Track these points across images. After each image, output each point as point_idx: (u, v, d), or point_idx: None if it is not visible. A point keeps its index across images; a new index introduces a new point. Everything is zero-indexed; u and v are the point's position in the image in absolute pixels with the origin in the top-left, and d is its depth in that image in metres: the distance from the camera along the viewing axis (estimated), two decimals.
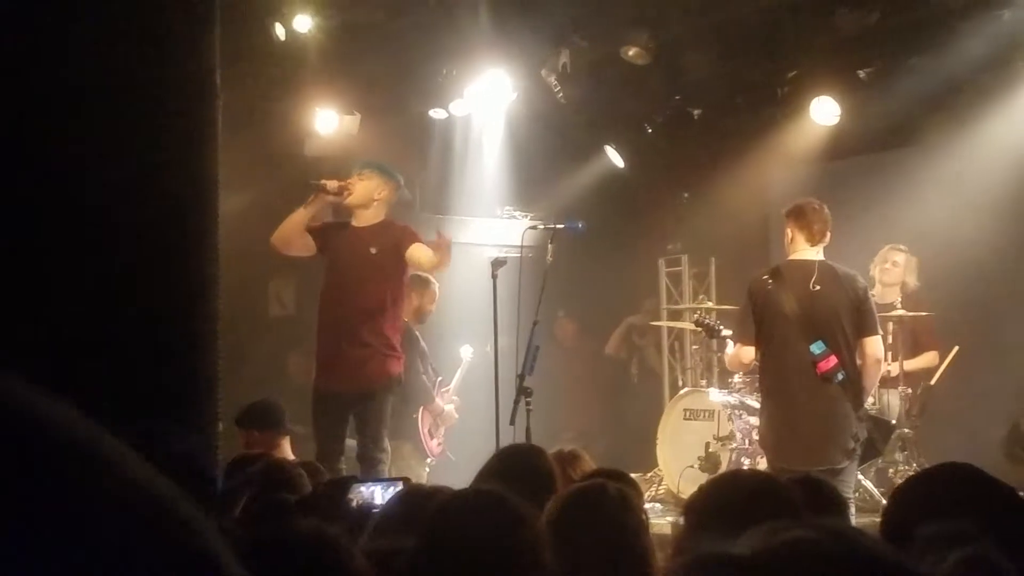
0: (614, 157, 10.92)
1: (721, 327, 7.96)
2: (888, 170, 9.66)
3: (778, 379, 6.60)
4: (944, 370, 8.07)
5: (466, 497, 2.20)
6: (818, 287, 6.42)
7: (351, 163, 7.81)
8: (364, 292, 7.26)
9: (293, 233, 7.31)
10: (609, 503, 3.03)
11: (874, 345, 6.50)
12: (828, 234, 6.65)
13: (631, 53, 9.11)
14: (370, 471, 6.61)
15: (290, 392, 7.84)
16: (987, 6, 8.15)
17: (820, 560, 1.06)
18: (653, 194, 11.59)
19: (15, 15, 4.25)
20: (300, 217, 7.30)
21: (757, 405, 8.60)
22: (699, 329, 8.56)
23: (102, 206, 4.66)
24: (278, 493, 3.91)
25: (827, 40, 8.89)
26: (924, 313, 8.14)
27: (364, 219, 7.35)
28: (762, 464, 8.43)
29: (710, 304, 10.13)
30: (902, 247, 8.51)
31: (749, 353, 6.74)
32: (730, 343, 7.50)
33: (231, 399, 6.04)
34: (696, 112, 10.30)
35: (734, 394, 8.80)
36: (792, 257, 6.67)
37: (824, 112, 9.26)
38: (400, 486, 3.83)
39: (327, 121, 9.74)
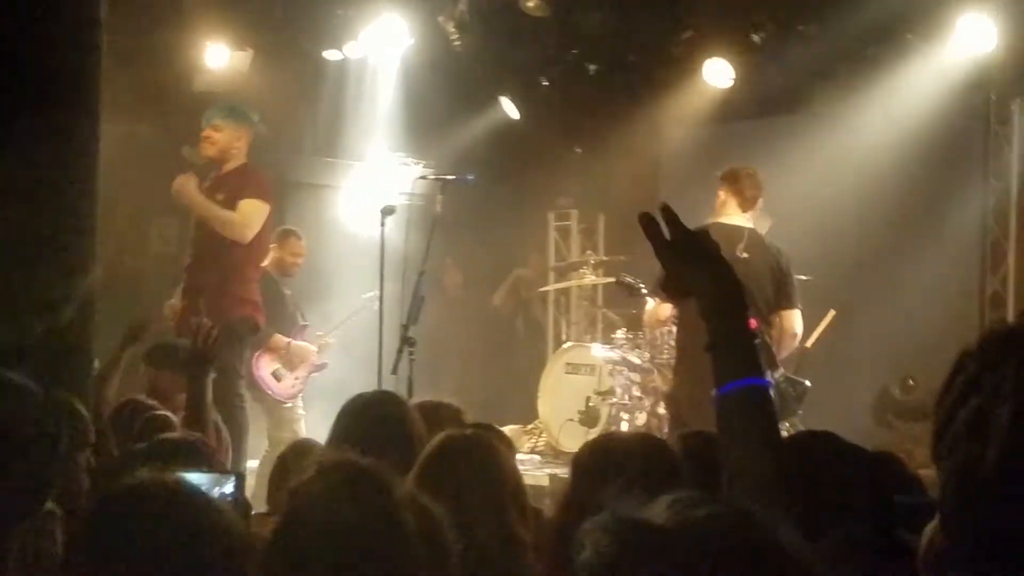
0: (509, 108, 10.87)
1: (641, 285, 7.94)
2: (777, 135, 9.78)
3: (696, 337, 6.63)
4: (819, 334, 8.24)
5: (329, 473, 2.07)
6: (745, 254, 6.47)
7: (239, 100, 7.60)
8: (204, 239, 7.10)
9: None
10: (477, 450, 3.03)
11: (792, 319, 6.66)
12: (759, 201, 6.74)
13: (530, 5, 9.08)
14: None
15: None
16: None
17: (731, 540, 1.11)
18: (545, 147, 11.57)
19: None
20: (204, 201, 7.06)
21: (639, 361, 8.71)
22: (620, 287, 8.39)
23: None
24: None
25: (721, 2, 8.94)
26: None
27: (226, 166, 7.19)
28: (640, 420, 8.55)
29: (598, 259, 10.17)
30: None
31: (667, 309, 6.89)
32: (649, 300, 7.56)
33: (110, 337, 5.90)
34: (592, 68, 10.30)
35: (616, 350, 8.89)
36: (720, 220, 6.68)
37: (717, 74, 9.33)
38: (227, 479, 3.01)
39: (217, 56, 9.51)
